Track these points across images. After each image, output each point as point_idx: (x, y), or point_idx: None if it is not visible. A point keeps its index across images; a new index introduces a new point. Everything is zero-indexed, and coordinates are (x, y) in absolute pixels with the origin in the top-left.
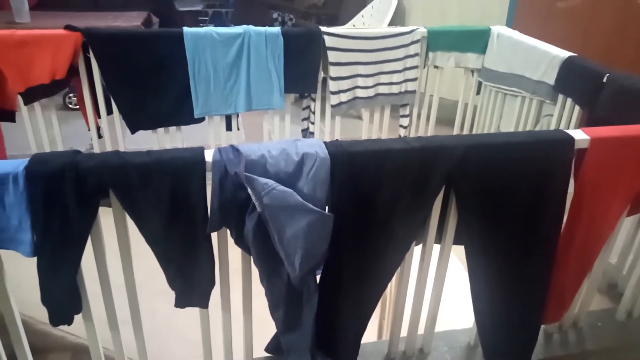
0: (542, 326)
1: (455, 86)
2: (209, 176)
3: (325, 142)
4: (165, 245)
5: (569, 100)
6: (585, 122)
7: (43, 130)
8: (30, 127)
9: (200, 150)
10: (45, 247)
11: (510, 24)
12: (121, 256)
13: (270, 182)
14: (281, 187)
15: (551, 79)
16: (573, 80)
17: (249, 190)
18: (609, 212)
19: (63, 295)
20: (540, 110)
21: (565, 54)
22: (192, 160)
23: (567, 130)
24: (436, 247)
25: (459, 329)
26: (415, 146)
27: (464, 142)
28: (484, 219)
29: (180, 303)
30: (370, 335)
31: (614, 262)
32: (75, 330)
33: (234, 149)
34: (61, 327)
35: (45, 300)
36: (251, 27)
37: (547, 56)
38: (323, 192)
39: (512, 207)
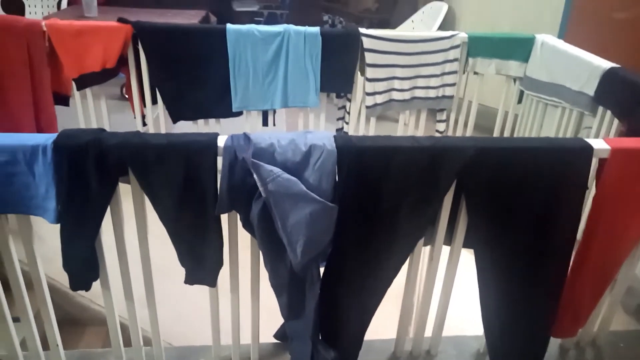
0: (559, 342)
1: (496, 93)
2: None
3: (334, 136)
4: (177, 223)
5: (609, 113)
6: (625, 135)
7: (93, 117)
8: (82, 113)
9: (214, 136)
10: (68, 215)
11: (563, 34)
12: (138, 231)
13: (276, 169)
14: (286, 175)
15: (591, 90)
16: (613, 92)
17: (255, 176)
18: (629, 226)
19: (82, 262)
20: (580, 121)
21: (607, 64)
22: (204, 145)
23: (587, 139)
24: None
25: (470, 335)
26: (424, 145)
27: (475, 144)
28: (495, 224)
29: (190, 280)
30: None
31: None
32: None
33: (246, 136)
34: (98, 302)
35: (66, 265)
36: (291, 26)
37: (588, 66)
38: (329, 184)
39: (524, 214)
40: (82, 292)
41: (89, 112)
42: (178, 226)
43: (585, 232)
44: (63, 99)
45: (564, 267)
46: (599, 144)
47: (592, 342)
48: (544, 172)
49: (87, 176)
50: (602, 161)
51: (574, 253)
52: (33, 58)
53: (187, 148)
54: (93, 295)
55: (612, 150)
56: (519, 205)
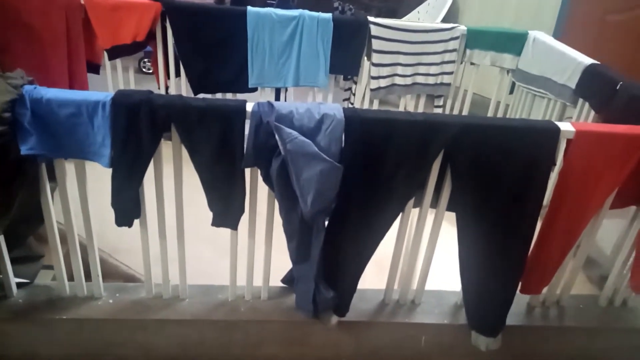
0: (527, 300)
1: (489, 83)
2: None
3: (343, 108)
4: (209, 173)
5: (587, 104)
6: None
7: (121, 85)
8: (111, 83)
9: (243, 102)
10: (120, 161)
11: (559, 32)
12: (174, 179)
13: (294, 132)
14: (302, 138)
15: (573, 84)
16: (591, 86)
17: (277, 136)
18: (590, 198)
19: (127, 202)
20: (563, 112)
21: (588, 61)
22: (236, 109)
23: (555, 122)
24: (433, 212)
25: (450, 290)
26: (418, 119)
27: (461, 121)
28: (475, 191)
29: (216, 223)
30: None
31: (608, 254)
32: (128, 262)
33: (269, 103)
34: (116, 257)
35: (114, 204)
36: (306, 12)
37: (572, 62)
38: (337, 148)
39: (500, 183)
40: (101, 247)
41: (117, 81)
42: (210, 176)
43: (552, 201)
44: (95, 68)
45: (531, 230)
46: (566, 126)
47: (556, 302)
48: (519, 148)
49: (138, 129)
50: (568, 141)
51: (541, 220)
52: (71, 29)
53: (222, 111)
54: (112, 250)
55: (576, 132)
56: (496, 174)
